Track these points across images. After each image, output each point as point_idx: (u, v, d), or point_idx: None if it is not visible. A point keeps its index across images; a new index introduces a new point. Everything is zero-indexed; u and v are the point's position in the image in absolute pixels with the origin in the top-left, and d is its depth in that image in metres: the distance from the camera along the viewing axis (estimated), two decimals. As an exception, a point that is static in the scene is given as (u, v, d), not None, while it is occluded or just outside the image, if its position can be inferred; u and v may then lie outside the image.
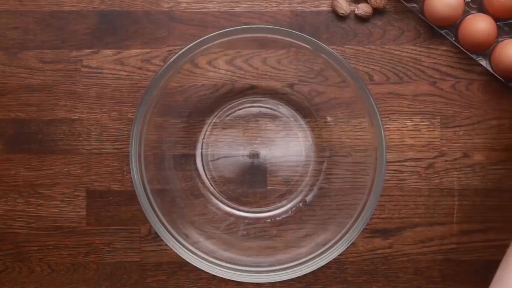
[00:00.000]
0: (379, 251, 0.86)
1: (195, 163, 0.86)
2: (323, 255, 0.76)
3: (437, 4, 0.82)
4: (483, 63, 0.85)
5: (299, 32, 0.74)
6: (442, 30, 0.85)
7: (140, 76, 0.86)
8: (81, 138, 0.86)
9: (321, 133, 0.86)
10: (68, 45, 0.86)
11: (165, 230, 0.75)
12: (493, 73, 0.84)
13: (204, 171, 0.86)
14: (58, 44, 0.86)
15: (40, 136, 0.86)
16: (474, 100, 0.86)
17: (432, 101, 0.86)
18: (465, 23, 0.83)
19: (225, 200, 0.86)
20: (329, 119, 0.85)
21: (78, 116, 0.86)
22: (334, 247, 0.75)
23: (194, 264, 0.75)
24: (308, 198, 0.86)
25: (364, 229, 0.75)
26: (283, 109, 0.86)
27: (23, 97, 0.86)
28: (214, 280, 0.86)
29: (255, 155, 0.86)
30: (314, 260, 0.75)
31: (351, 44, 0.86)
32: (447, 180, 0.86)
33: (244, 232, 0.85)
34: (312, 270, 0.76)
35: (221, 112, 0.86)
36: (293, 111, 0.86)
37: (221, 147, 0.86)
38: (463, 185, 0.86)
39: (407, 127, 0.86)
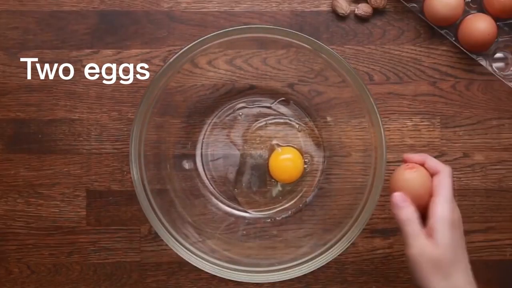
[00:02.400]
0: (379, 251, 0.86)
1: (195, 163, 0.86)
2: (323, 255, 0.76)
3: (437, 4, 0.82)
4: (483, 63, 0.85)
5: (299, 32, 0.74)
6: (442, 30, 0.85)
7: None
8: (81, 138, 0.86)
9: (321, 133, 0.86)
10: (68, 45, 0.86)
11: (165, 230, 0.75)
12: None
13: (204, 171, 0.86)
14: (58, 44, 0.86)
15: (40, 136, 0.86)
16: (474, 100, 0.86)
17: (432, 101, 0.86)
18: (465, 23, 0.83)
19: (225, 200, 0.86)
20: (329, 119, 0.85)
21: (78, 116, 0.86)
22: (334, 247, 0.75)
23: (194, 264, 0.75)
24: (308, 198, 0.86)
25: (364, 229, 0.75)
26: (283, 109, 0.86)
27: (23, 97, 0.86)
28: (214, 280, 0.86)
29: (255, 155, 0.86)
30: (314, 260, 0.75)
31: (351, 44, 0.86)
32: (447, 180, 0.86)
33: (244, 232, 0.85)
34: (312, 270, 0.76)
35: (221, 112, 0.86)
36: (293, 111, 0.86)
37: (221, 147, 0.86)
38: (463, 185, 0.86)
39: (407, 127, 0.86)
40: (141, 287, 0.86)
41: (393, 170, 0.85)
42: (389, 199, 0.68)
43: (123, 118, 0.86)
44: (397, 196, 0.66)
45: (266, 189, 0.86)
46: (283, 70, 0.84)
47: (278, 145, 0.85)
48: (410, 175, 0.69)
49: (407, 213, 0.65)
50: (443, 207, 0.64)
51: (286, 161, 0.85)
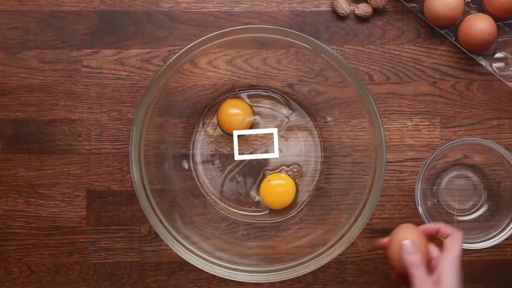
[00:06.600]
0: (379, 251, 0.86)
1: (195, 163, 0.86)
2: (323, 255, 0.76)
3: (437, 4, 0.82)
4: (483, 63, 0.85)
5: (299, 32, 0.74)
6: (442, 30, 0.85)
7: (140, 76, 0.86)
8: (81, 138, 0.86)
9: (321, 133, 0.86)
10: (68, 45, 0.86)
11: (165, 230, 0.75)
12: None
13: (204, 171, 0.86)
14: (58, 44, 0.86)
15: (40, 136, 0.86)
16: (474, 100, 0.86)
17: (432, 101, 0.86)
18: (465, 23, 0.83)
19: (225, 200, 0.86)
20: (329, 119, 0.85)
21: (78, 116, 0.86)
22: (334, 247, 0.75)
23: (194, 264, 0.75)
24: (308, 198, 0.86)
25: (364, 229, 0.75)
26: (283, 109, 0.86)
27: (23, 97, 0.86)
28: (214, 280, 0.86)
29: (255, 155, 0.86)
30: (314, 260, 0.75)
31: (351, 44, 0.86)
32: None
33: (244, 232, 0.85)
34: (312, 270, 0.76)
35: (221, 112, 0.86)
36: (293, 111, 0.86)
37: (221, 147, 0.86)
38: (463, 186, 0.86)
39: (407, 127, 0.86)
40: (141, 287, 0.86)
41: (393, 170, 0.86)
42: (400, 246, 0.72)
43: (123, 118, 0.86)
44: (408, 243, 0.71)
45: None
46: (283, 70, 0.84)
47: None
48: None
49: (415, 258, 0.70)
50: (452, 262, 0.70)
51: (278, 187, 0.85)
